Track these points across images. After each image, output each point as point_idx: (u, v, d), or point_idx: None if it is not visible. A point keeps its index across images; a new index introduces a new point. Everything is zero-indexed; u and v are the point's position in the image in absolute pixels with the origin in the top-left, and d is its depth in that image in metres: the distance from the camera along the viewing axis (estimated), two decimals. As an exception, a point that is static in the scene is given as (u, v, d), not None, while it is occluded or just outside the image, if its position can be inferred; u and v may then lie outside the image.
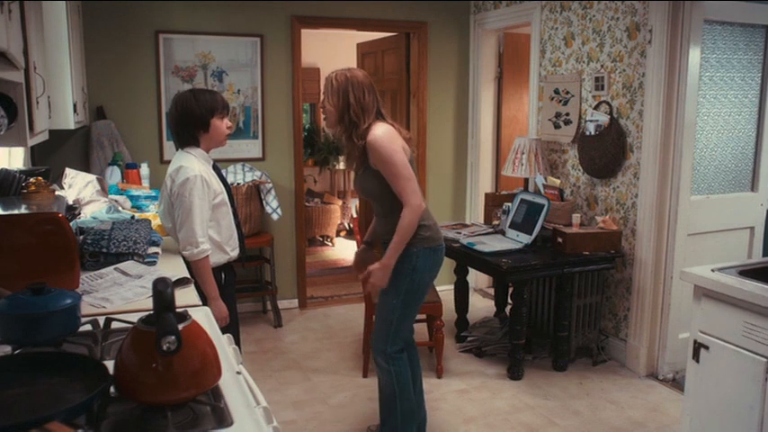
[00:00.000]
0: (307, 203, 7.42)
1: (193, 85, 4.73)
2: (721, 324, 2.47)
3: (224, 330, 2.66)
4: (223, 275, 2.82)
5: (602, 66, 4.13)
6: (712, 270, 2.58)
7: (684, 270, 2.66)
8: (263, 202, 4.70)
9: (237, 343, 2.94)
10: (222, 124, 2.76)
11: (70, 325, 1.59)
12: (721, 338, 2.47)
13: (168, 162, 4.69)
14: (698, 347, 2.57)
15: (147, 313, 1.34)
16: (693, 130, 3.79)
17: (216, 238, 2.73)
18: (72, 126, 3.26)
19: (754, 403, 2.34)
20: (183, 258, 2.68)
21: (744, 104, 4.05)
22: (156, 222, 3.09)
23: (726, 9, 3.83)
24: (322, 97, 2.79)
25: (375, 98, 2.78)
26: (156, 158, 4.69)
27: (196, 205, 2.60)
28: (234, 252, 2.86)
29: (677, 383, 3.77)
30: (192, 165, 2.64)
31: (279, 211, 4.73)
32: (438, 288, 4.19)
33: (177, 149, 2.78)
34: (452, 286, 4.62)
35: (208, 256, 2.65)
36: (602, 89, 4.11)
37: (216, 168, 2.83)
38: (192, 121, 2.69)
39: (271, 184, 4.72)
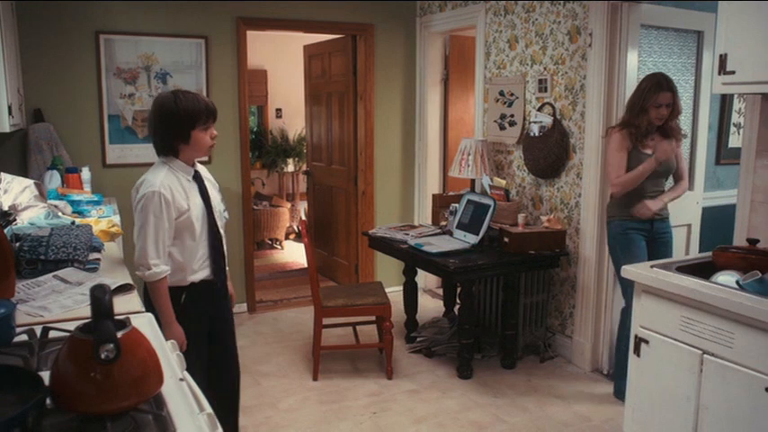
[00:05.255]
0: (255, 206, 7.35)
1: (136, 87, 4.64)
2: (660, 319, 2.55)
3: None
4: (183, 296, 2.57)
5: (545, 68, 4.21)
6: (651, 267, 2.66)
7: (625, 267, 2.74)
8: (210, 206, 4.62)
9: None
10: (205, 135, 2.50)
11: (3, 335, 1.53)
12: (660, 333, 2.56)
13: (111, 166, 4.63)
14: (638, 342, 2.65)
15: (85, 321, 1.31)
16: (633, 131, 3.90)
17: (177, 258, 2.51)
18: (7, 129, 3.14)
19: (691, 394, 2.42)
20: None
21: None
22: (97, 228, 3.02)
23: (660, 15, 3.96)
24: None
25: None
26: (98, 162, 4.57)
27: (150, 223, 2.40)
28: (201, 274, 2.58)
29: (620, 377, 3.87)
30: (155, 179, 2.43)
31: (226, 214, 4.64)
32: (387, 289, 4.21)
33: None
34: (401, 287, 4.64)
35: (163, 279, 2.46)
36: (546, 91, 4.20)
37: (198, 180, 2.58)
38: (170, 130, 2.46)
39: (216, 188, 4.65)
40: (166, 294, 2.49)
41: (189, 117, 2.44)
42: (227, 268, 2.72)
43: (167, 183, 2.45)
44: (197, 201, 2.53)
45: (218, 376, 2.77)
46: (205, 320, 2.67)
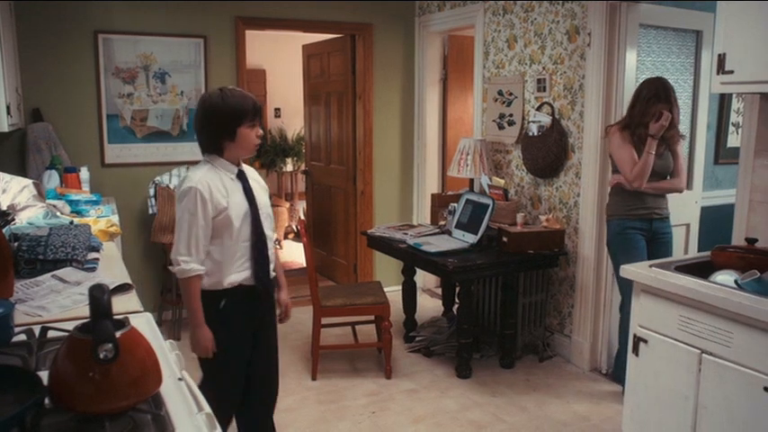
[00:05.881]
0: (254, 206, 7.34)
1: (135, 87, 4.64)
2: (659, 318, 2.55)
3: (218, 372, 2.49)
4: (223, 302, 2.47)
5: (543, 68, 4.21)
6: (650, 266, 2.66)
7: (624, 267, 2.74)
8: (209, 206, 4.62)
9: (273, 395, 2.73)
10: (252, 133, 2.43)
11: (2, 335, 1.53)
12: (659, 332, 2.56)
13: (109, 165, 4.63)
14: (637, 341, 2.65)
15: (84, 321, 1.30)
16: (631, 131, 3.90)
17: (217, 257, 2.42)
18: (6, 128, 3.15)
19: (689, 393, 2.42)
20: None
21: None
22: (96, 227, 3.02)
23: (659, 14, 3.97)
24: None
25: None
26: (96, 162, 4.57)
27: (186, 220, 2.35)
28: (239, 276, 2.47)
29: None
30: (195, 175, 2.38)
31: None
32: (386, 289, 4.21)
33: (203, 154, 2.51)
34: (400, 287, 4.64)
35: (194, 277, 2.38)
36: (544, 91, 4.20)
37: (242, 179, 2.49)
38: (216, 128, 2.40)
39: (216, 187, 4.65)
40: (197, 295, 2.41)
41: (236, 114, 2.38)
42: (273, 273, 2.62)
43: (206, 179, 2.38)
44: (238, 199, 2.44)
45: (259, 385, 2.69)
46: (247, 327, 2.56)
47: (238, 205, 2.44)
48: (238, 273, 2.47)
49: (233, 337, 2.52)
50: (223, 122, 2.39)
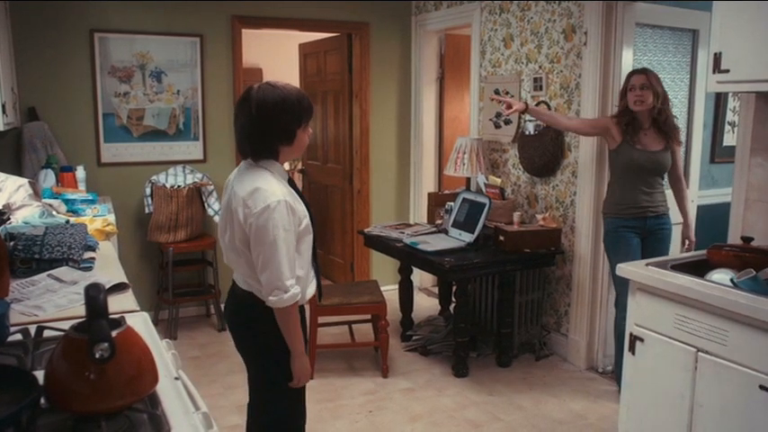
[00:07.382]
0: (251, 205, 7.32)
1: (131, 86, 4.63)
2: (655, 317, 2.56)
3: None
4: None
5: (540, 67, 4.22)
6: (647, 265, 2.67)
7: (620, 265, 2.74)
8: (205, 205, 4.63)
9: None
10: (305, 135, 2.17)
11: (-2, 334, 1.53)
12: (655, 330, 2.56)
13: (106, 164, 4.61)
14: (633, 340, 2.65)
15: (79, 320, 1.30)
16: (628, 130, 3.91)
17: (301, 274, 2.15)
18: (1, 128, 3.15)
19: (685, 391, 2.43)
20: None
21: (674, 105, 4.18)
22: (92, 226, 3.01)
23: (655, 13, 3.97)
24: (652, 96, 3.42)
25: None
26: (92, 161, 4.56)
27: (281, 239, 2.02)
28: (312, 287, 2.29)
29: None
30: (271, 187, 2.05)
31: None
32: (382, 288, 4.21)
33: (244, 159, 2.18)
34: (397, 286, 4.64)
35: (297, 301, 2.11)
36: (541, 89, 4.20)
37: (291, 183, 2.22)
38: (275, 130, 2.09)
39: (212, 186, 4.65)
40: (298, 319, 2.17)
41: (297, 114, 2.11)
42: None
43: (285, 189, 2.10)
44: (305, 208, 2.19)
45: None
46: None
47: (307, 213, 2.20)
48: (312, 285, 2.29)
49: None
50: (283, 123, 2.10)
